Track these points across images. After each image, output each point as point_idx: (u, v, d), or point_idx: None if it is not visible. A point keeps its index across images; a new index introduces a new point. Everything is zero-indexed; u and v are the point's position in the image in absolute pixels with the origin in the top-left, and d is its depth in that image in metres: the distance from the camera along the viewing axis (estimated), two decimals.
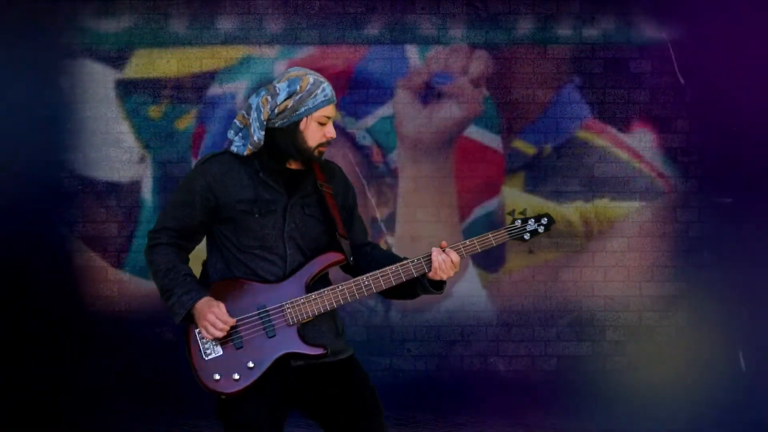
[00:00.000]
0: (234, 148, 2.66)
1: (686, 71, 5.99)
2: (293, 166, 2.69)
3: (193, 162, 5.98)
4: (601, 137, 6.03)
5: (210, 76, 6.00)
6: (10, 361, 5.67)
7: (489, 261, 5.96)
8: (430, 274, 2.65)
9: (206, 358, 2.57)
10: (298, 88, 2.59)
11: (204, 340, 2.58)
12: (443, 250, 2.65)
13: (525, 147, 6.05)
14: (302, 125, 2.60)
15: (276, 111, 2.59)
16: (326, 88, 2.62)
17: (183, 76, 5.99)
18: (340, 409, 2.66)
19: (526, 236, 2.73)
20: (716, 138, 5.94)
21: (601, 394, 5.65)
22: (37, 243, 5.84)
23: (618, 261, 5.98)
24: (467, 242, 2.69)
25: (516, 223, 2.73)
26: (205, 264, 2.73)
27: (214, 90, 6.00)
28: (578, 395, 5.65)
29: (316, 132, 2.62)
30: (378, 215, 6.00)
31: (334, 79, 5.58)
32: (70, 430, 5.19)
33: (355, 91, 5.98)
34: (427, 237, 5.80)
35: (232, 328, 2.56)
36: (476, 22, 6.01)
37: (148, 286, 5.92)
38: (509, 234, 2.73)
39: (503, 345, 5.97)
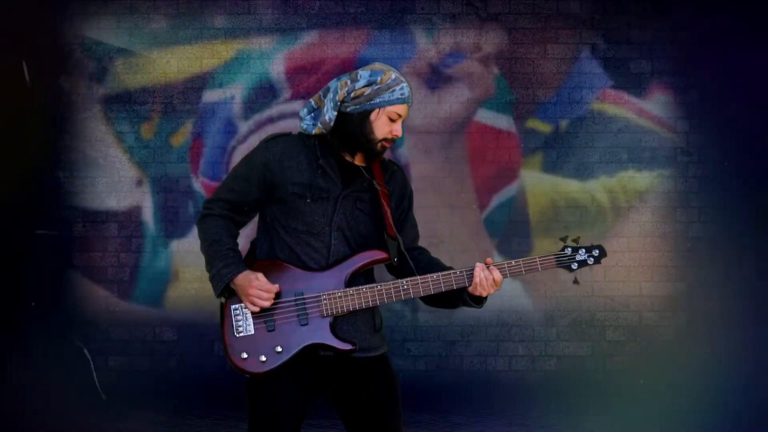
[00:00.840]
0: (303, 126, 2.71)
1: (686, 71, 5.99)
2: (356, 161, 2.71)
3: (191, 166, 6.00)
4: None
5: (209, 76, 6.00)
6: (10, 361, 5.67)
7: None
8: (470, 289, 2.63)
9: (237, 336, 2.58)
10: (379, 79, 2.63)
11: (237, 318, 2.60)
12: (487, 267, 2.63)
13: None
14: (373, 115, 2.63)
15: (352, 95, 2.63)
16: (405, 88, 2.66)
17: (183, 75, 5.99)
18: (359, 406, 2.68)
19: (574, 266, 2.70)
20: (716, 138, 5.94)
21: (601, 394, 5.65)
22: (36, 243, 5.84)
23: (618, 261, 5.98)
24: (513, 263, 2.65)
25: (566, 251, 2.70)
26: (253, 243, 2.75)
27: (213, 89, 6.00)
28: (578, 395, 5.65)
29: (384, 126, 2.64)
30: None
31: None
32: (71, 430, 5.19)
33: None
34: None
35: (267, 310, 2.57)
36: (476, 22, 6.01)
37: (148, 286, 5.93)
38: (557, 261, 2.69)
39: (503, 345, 5.97)
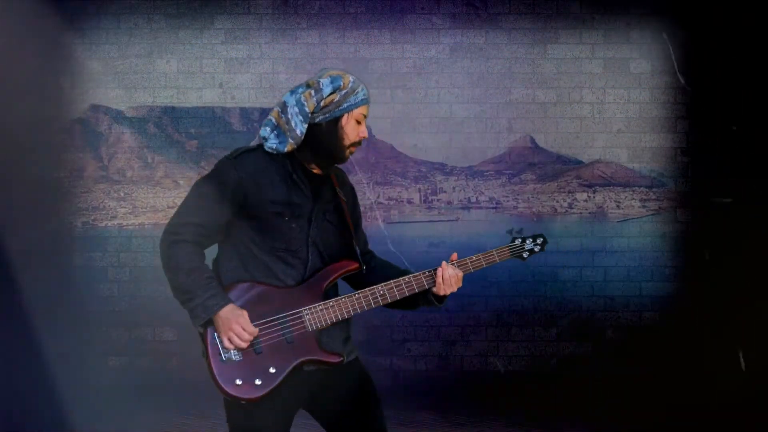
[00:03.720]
0: (272, 145, 2.63)
1: (686, 71, 5.99)
2: (315, 170, 2.70)
3: (191, 165, 5.99)
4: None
5: (209, 76, 6.00)
6: (10, 361, 5.67)
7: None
8: (435, 289, 2.71)
9: (225, 363, 2.54)
10: (341, 84, 2.63)
11: (223, 345, 2.55)
12: (452, 263, 2.72)
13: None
14: (343, 121, 2.64)
15: (321, 104, 2.62)
16: (364, 88, 2.69)
17: (183, 75, 5.99)
18: (341, 411, 2.69)
19: (525, 254, 2.88)
20: (716, 138, 5.94)
21: (601, 394, 5.65)
22: (37, 243, 5.84)
23: (618, 261, 5.98)
24: (473, 258, 2.76)
25: (516, 242, 2.87)
26: (215, 262, 2.67)
27: (213, 89, 6.00)
28: (578, 395, 5.64)
29: (353, 129, 2.65)
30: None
31: None
32: (71, 431, 5.19)
33: None
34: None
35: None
36: (476, 21, 6.00)
37: (148, 287, 5.92)
38: (511, 252, 2.86)
39: (503, 345, 5.97)
